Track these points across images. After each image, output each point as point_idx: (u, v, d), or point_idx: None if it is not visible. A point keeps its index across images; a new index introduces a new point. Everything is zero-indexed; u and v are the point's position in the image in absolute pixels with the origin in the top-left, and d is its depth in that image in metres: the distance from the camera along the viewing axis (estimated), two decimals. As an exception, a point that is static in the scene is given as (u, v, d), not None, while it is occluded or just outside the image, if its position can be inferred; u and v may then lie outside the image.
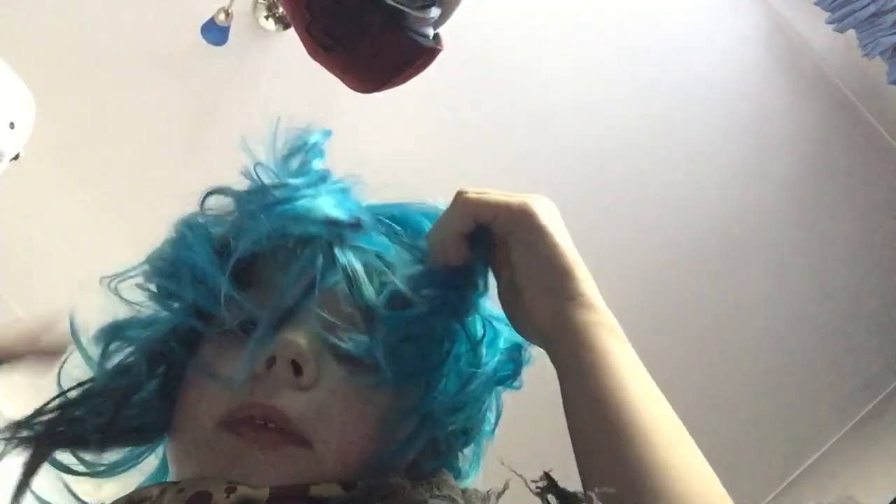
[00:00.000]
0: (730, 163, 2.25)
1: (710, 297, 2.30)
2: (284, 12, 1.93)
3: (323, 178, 0.61)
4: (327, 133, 0.66)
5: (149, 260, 0.58)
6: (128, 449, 0.57)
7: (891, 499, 1.81)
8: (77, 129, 2.05)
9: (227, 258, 0.53)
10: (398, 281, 0.54)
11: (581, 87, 2.18)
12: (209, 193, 0.59)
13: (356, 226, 0.56)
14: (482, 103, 2.14)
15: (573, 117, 2.18)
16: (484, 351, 0.56)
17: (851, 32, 1.92)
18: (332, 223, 0.55)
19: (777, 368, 2.33)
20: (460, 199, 0.55)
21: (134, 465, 0.58)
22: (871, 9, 1.81)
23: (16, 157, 1.53)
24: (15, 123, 1.47)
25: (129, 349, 0.56)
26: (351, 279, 0.53)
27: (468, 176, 2.19)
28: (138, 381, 0.55)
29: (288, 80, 2.02)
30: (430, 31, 1.20)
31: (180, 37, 1.99)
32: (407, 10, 1.11)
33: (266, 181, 0.59)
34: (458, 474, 0.58)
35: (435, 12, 1.14)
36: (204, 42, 1.88)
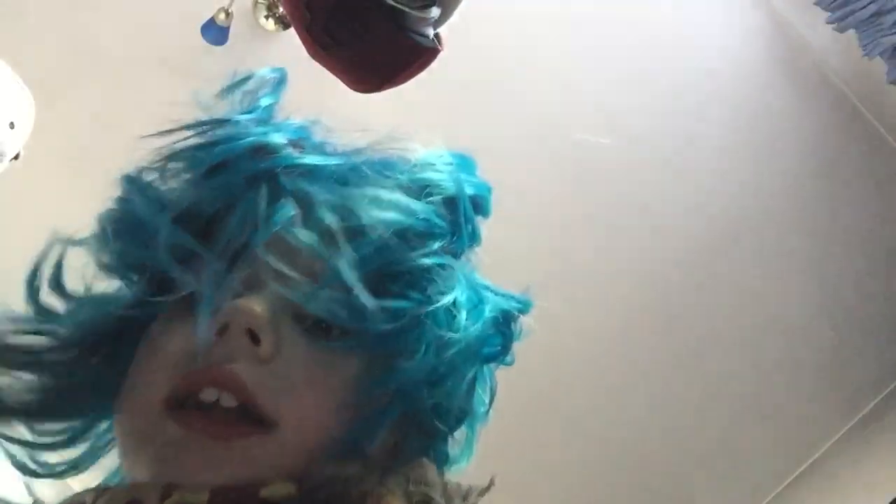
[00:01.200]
0: (729, 162, 2.25)
1: (711, 298, 2.30)
2: (284, 12, 1.93)
3: (272, 114, 0.56)
4: (280, 70, 0.61)
5: (98, 220, 0.55)
6: (73, 429, 0.52)
7: (891, 499, 1.81)
8: (77, 128, 2.05)
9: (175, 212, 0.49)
10: (360, 211, 0.48)
11: (581, 87, 2.18)
12: (169, 157, 0.55)
13: (297, 145, 0.51)
14: (482, 103, 2.14)
15: (573, 118, 2.18)
16: (464, 315, 0.49)
17: (851, 32, 1.92)
18: (272, 149, 0.50)
19: (777, 368, 2.33)
20: None
21: (94, 462, 0.53)
22: (872, 9, 1.81)
23: (16, 157, 1.53)
24: (15, 123, 1.47)
25: (72, 324, 0.53)
26: (304, 204, 0.48)
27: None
28: (79, 355, 0.51)
29: (288, 80, 2.02)
30: (430, 31, 1.20)
31: (180, 37, 1.99)
32: (407, 10, 1.11)
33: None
34: (446, 460, 0.52)
35: (435, 12, 1.14)
36: (204, 42, 1.88)
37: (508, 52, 2.14)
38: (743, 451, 2.35)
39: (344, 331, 0.46)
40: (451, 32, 1.24)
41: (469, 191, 0.55)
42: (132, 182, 0.54)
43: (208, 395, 0.44)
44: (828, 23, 1.94)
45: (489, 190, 0.57)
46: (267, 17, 2.01)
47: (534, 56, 2.15)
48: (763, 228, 2.28)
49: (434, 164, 0.54)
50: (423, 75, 1.25)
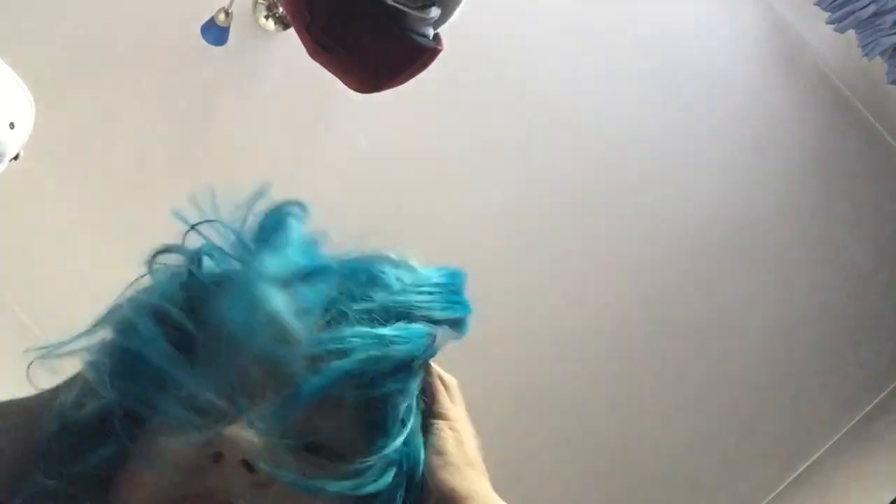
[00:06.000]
0: (729, 163, 2.25)
1: (710, 297, 2.30)
2: (284, 12, 1.93)
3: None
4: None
5: (92, 345, 0.53)
6: None
7: (891, 499, 1.81)
8: (77, 129, 2.05)
9: (175, 335, 0.50)
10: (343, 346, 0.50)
11: (581, 88, 2.18)
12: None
13: (288, 284, 0.52)
14: (482, 103, 2.14)
15: (573, 119, 2.18)
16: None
17: (851, 33, 1.92)
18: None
19: (777, 368, 2.33)
20: None
21: None
22: (871, 9, 1.81)
23: (16, 157, 1.52)
24: (15, 123, 1.47)
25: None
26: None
27: (468, 175, 2.20)
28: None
29: (288, 80, 2.02)
30: (430, 31, 1.20)
31: (180, 37, 1.99)
32: (407, 10, 1.11)
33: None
34: None
35: (435, 12, 1.14)
36: (204, 42, 1.88)
37: (507, 52, 2.14)
38: (743, 452, 2.35)
39: (338, 455, 0.49)
40: (451, 33, 1.24)
41: (450, 316, 0.57)
42: (141, 315, 0.52)
43: None
44: (827, 23, 1.94)
45: (469, 312, 0.60)
46: (267, 17, 2.01)
47: (533, 56, 2.15)
48: (762, 228, 2.28)
49: (422, 288, 0.57)
50: (423, 75, 1.25)
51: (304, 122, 2.06)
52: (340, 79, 1.30)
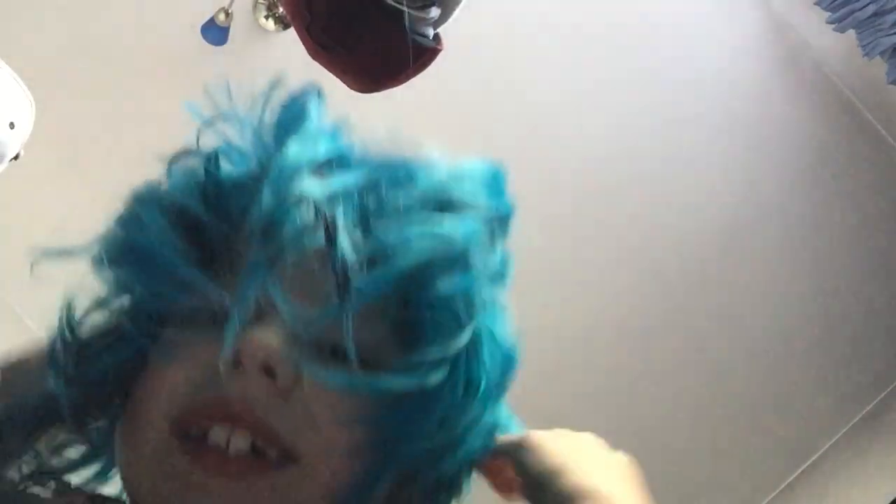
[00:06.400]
0: (729, 162, 2.25)
1: (711, 297, 2.30)
2: (284, 12, 1.93)
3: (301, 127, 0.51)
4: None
5: (99, 242, 0.50)
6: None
7: (891, 499, 1.81)
8: (77, 129, 2.05)
9: (188, 232, 0.46)
10: (387, 234, 0.44)
11: (581, 87, 2.18)
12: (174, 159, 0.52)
13: (320, 171, 0.47)
14: (482, 104, 2.14)
15: (574, 117, 2.18)
16: (487, 355, 0.48)
17: (851, 32, 1.92)
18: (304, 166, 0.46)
19: (777, 368, 2.33)
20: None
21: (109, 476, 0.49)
22: (871, 9, 1.81)
23: (16, 157, 1.52)
24: (15, 123, 1.47)
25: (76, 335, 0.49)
26: (328, 227, 0.43)
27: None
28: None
29: (288, 81, 2.02)
30: (430, 31, 1.20)
31: (180, 37, 1.99)
32: (407, 10, 1.11)
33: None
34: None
35: (435, 12, 1.15)
36: (204, 42, 1.88)
37: (508, 54, 2.14)
38: (743, 451, 2.35)
39: (364, 361, 0.43)
40: (451, 33, 1.24)
41: (496, 211, 0.52)
42: (144, 205, 0.49)
43: (217, 436, 0.42)
44: (828, 23, 1.94)
45: (512, 211, 0.55)
46: (267, 17, 2.01)
47: (533, 57, 2.15)
48: (762, 228, 2.28)
49: (465, 181, 0.51)
50: (423, 75, 1.25)
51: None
52: (340, 79, 1.30)
